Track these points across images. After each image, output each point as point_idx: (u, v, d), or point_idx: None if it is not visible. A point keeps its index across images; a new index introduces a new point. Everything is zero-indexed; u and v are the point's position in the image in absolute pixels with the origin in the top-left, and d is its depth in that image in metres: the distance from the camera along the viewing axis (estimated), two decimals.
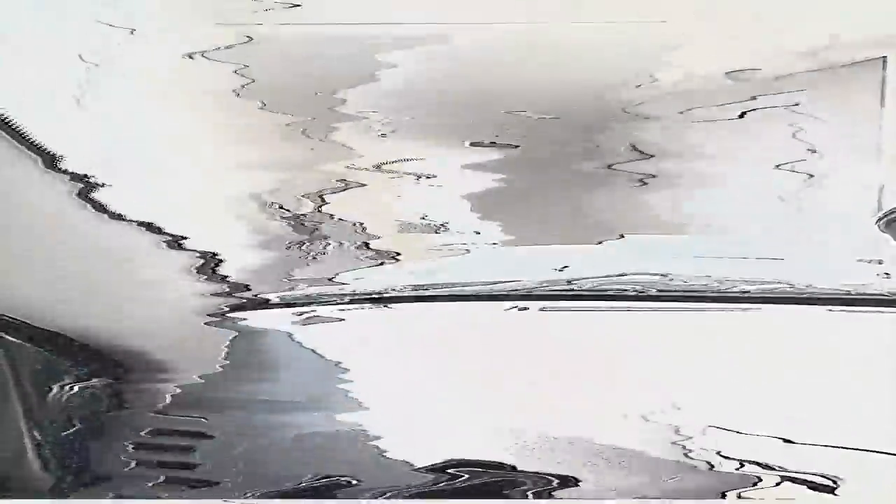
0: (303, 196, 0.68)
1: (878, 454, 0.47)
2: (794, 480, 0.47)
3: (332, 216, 0.72)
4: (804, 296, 0.78)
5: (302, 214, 0.67)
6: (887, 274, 0.84)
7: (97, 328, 0.53)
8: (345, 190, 0.73)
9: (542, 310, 0.80)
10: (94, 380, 0.55)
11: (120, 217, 0.52)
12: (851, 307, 0.76)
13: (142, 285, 0.55)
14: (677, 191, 2.01)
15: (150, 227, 0.53)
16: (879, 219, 0.81)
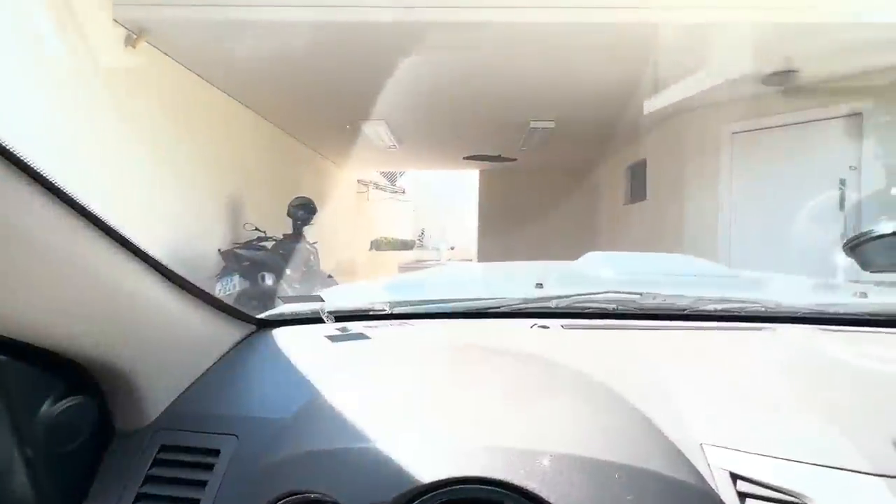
0: None
1: (851, 472, 0.45)
2: (768, 500, 0.46)
3: None
4: (782, 314, 0.83)
5: None
6: (864, 294, 0.90)
7: (85, 344, 0.52)
8: None
9: (543, 327, 0.82)
10: (82, 396, 0.55)
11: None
12: (828, 326, 0.80)
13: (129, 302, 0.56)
14: (667, 208, 4.41)
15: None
16: (845, 244, 0.86)
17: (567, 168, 7.73)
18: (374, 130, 5.28)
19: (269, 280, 3.34)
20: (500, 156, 6.93)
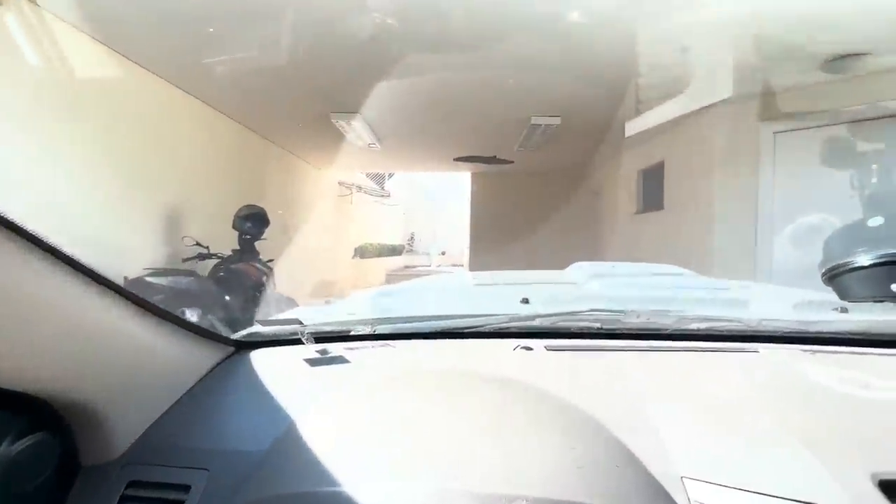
0: None
1: None
2: None
3: None
4: (765, 333, 0.81)
5: None
6: (845, 309, 0.92)
7: (44, 379, 0.50)
8: None
9: (527, 348, 0.80)
10: (43, 433, 0.52)
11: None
12: (812, 346, 0.78)
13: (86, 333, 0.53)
14: (690, 221, 3.96)
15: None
16: (823, 274, 0.91)
17: (568, 171, 7.00)
18: (349, 125, 4.51)
19: (191, 316, 2.56)
20: (494, 157, 6.19)
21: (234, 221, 3.27)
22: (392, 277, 10.38)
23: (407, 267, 13.28)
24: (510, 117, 4.36)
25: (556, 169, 6.93)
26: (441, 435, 0.55)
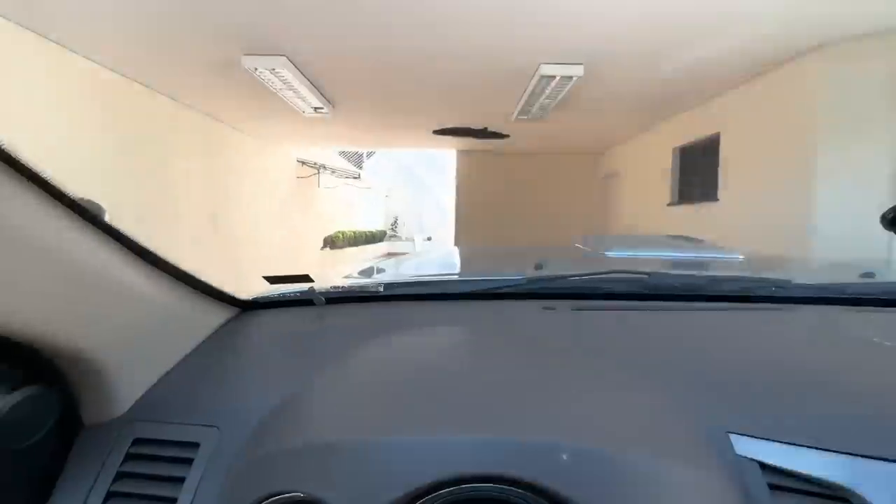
0: None
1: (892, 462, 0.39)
2: (802, 492, 0.41)
3: None
4: (799, 294, 0.80)
5: None
6: (871, 274, 0.95)
7: (45, 328, 0.46)
8: None
9: (549, 308, 0.76)
10: (40, 386, 0.48)
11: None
12: (847, 306, 0.78)
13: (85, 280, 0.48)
14: (768, 217, 2.80)
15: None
16: (884, 215, 0.82)
17: (576, 148, 5.69)
18: (279, 80, 3.14)
19: None
20: (485, 129, 4.85)
21: None
22: None
23: (389, 255, 11.97)
24: (510, 66, 3.02)
25: (560, 145, 5.62)
26: (471, 387, 0.52)
